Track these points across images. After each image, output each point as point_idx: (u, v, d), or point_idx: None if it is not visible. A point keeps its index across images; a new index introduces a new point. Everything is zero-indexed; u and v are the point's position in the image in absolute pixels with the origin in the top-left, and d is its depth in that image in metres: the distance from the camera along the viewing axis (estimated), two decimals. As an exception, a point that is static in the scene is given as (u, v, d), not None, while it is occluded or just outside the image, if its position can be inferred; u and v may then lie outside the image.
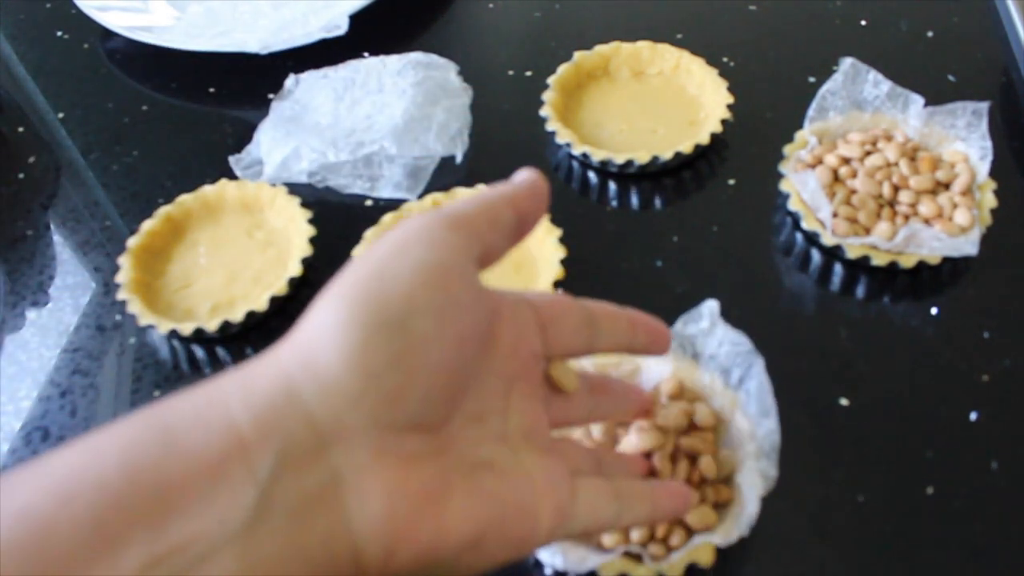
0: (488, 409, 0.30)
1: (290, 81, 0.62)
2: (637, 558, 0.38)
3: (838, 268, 0.50)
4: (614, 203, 0.55)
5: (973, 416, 0.44)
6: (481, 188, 0.53)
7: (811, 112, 0.55)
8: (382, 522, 0.25)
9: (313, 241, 0.51)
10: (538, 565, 0.40)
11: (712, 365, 0.43)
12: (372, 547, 0.25)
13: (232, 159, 0.57)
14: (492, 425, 0.30)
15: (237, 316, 0.48)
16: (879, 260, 0.49)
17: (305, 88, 0.61)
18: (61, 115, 0.64)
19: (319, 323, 0.26)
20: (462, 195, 0.53)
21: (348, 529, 0.25)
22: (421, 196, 0.55)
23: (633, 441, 0.40)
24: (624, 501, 0.33)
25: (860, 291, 0.50)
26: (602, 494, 0.32)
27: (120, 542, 0.22)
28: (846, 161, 0.52)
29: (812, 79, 0.60)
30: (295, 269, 0.50)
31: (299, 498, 0.24)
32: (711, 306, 0.44)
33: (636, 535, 0.38)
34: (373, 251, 0.28)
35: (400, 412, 0.26)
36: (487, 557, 0.27)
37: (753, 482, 0.39)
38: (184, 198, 0.54)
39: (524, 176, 0.34)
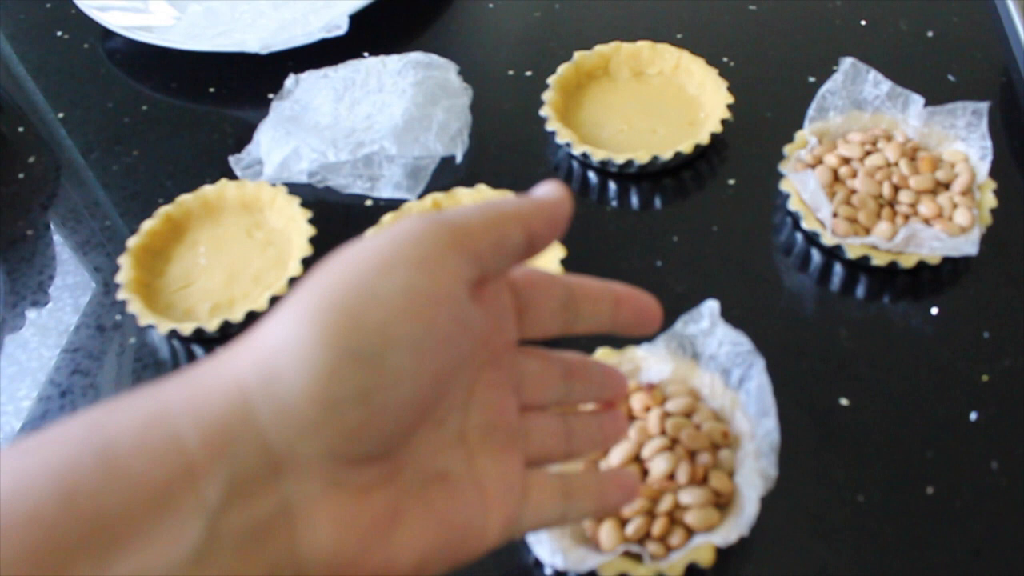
0: (450, 407, 0.28)
1: (290, 81, 0.62)
2: (637, 558, 0.38)
3: (838, 268, 0.50)
4: (614, 203, 0.55)
5: (973, 416, 0.44)
6: (496, 196, 0.53)
7: (811, 112, 0.55)
8: (330, 555, 0.24)
9: (313, 241, 0.51)
10: (538, 565, 0.40)
11: (712, 365, 0.43)
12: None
13: (232, 159, 0.57)
14: (451, 425, 0.28)
15: (237, 316, 0.48)
16: (879, 260, 0.49)
17: (305, 88, 0.61)
18: (61, 115, 0.64)
19: (284, 337, 0.23)
20: (472, 198, 0.53)
21: (295, 561, 0.23)
22: (421, 196, 0.55)
23: (660, 466, 0.40)
24: (572, 499, 0.31)
25: (860, 291, 0.50)
26: (551, 494, 0.31)
27: None
28: (846, 161, 0.52)
29: (812, 79, 0.60)
30: (295, 269, 0.50)
31: (248, 528, 0.22)
32: (711, 306, 0.44)
33: (631, 529, 0.38)
34: (357, 256, 0.25)
35: (359, 447, 0.24)
36: (432, 573, 0.27)
37: (753, 482, 0.39)
38: (184, 198, 0.54)
39: (546, 192, 0.29)
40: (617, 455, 0.41)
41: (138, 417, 0.22)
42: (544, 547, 0.38)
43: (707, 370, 0.43)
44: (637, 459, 0.41)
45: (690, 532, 0.39)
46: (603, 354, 0.44)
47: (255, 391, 0.23)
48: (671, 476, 0.40)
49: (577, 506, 0.32)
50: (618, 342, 0.45)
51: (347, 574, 0.24)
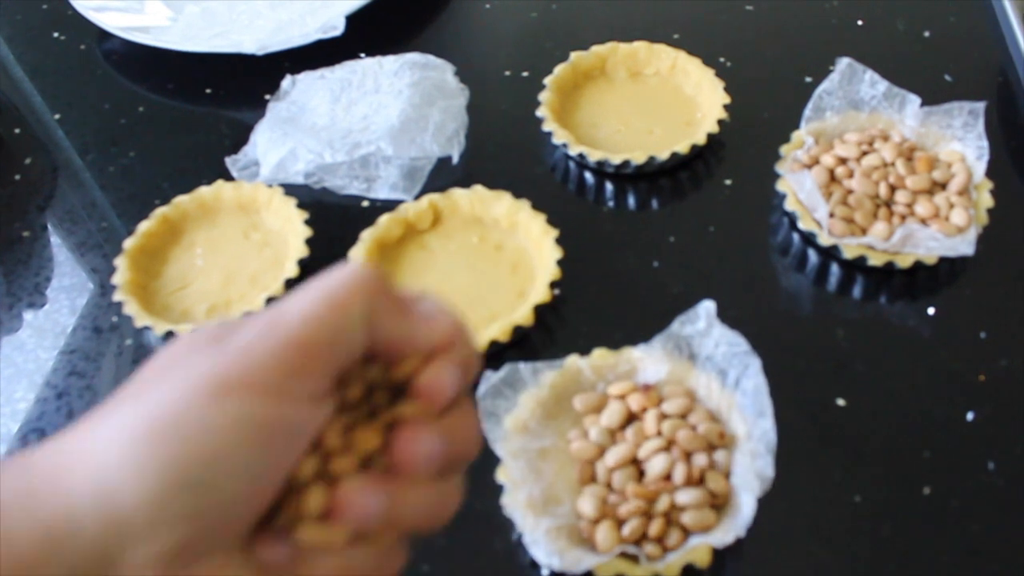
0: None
1: (287, 82, 0.62)
2: (633, 559, 0.38)
3: (835, 268, 0.50)
4: (611, 204, 0.55)
5: (970, 416, 0.44)
6: (492, 196, 0.52)
7: (808, 112, 0.55)
8: None
9: (309, 242, 0.51)
10: (535, 566, 0.40)
11: (709, 366, 0.43)
12: None
13: (228, 160, 0.57)
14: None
15: (234, 317, 0.48)
16: (876, 260, 0.49)
17: (302, 89, 0.61)
18: (58, 116, 0.64)
19: (119, 462, 0.23)
20: (468, 198, 0.52)
21: None
22: (418, 197, 0.55)
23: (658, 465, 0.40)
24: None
25: (857, 291, 0.50)
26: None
27: None
28: (843, 161, 0.52)
29: (809, 79, 0.60)
30: (291, 270, 0.50)
31: None
32: (707, 307, 0.44)
33: (627, 530, 0.38)
34: (192, 372, 0.24)
35: (192, 553, 0.24)
36: None
37: (749, 483, 0.39)
38: (181, 199, 0.54)
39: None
40: (612, 456, 0.41)
41: None
42: (541, 549, 0.38)
43: (704, 371, 0.43)
44: (634, 460, 0.41)
45: (687, 533, 0.39)
46: (599, 355, 0.44)
47: (86, 501, 0.23)
48: (668, 477, 0.40)
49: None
50: (614, 342, 0.45)
51: None
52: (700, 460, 0.40)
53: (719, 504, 0.40)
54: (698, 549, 0.38)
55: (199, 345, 0.25)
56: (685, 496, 0.39)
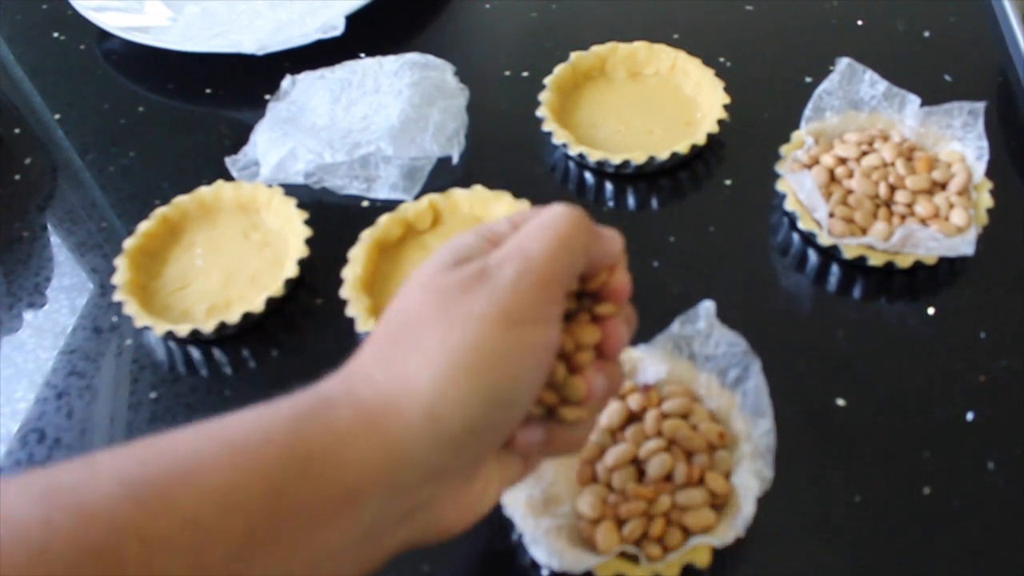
0: None
1: (286, 82, 0.62)
2: (633, 559, 0.38)
3: (835, 268, 0.50)
4: (611, 204, 0.55)
5: (970, 416, 0.44)
6: (491, 196, 0.53)
7: (807, 112, 0.55)
8: (448, 523, 0.33)
9: (309, 242, 0.51)
10: (535, 566, 0.40)
11: (709, 366, 0.43)
12: (421, 542, 0.33)
13: (228, 160, 0.57)
14: None
15: (233, 317, 0.48)
16: (875, 260, 0.49)
17: (302, 89, 0.61)
18: (58, 116, 0.64)
19: (444, 390, 0.30)
20: (469, 199, 0.53)
21: (425, 530, 0.32)
22: (417, 197, 0.55)
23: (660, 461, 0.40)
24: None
25: (857, 291, 0.50)
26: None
27: (263, 552, 0.27)
28: (842, 161, 0.52)
29: (809, 79, 0.60)
30: (291, 270, 0.50)
31: (400, 515, 0.31)
32: (707, 307, 0.44)
33: (628, 530, 0.38)
34: (486, 312, 0.30)
35: (485, 455, 0.33)
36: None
37: (749, 483, 0.39)
38: (180, 199, 0.54)
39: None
40: (612, 456, 0.41)
41: (332, 438, 0.29)
42: (541, 549, 0.38)
43: (704, 371, 0.43)
44: (634, 460, 0.41)
45: (687, 533, 0.39)
46: None
47: (421, 430, 0.30)
48: (668, 477, 0.40)
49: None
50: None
51: (455, 528, 0.34)
52: (700, 460, 0.40)
53: (719, 504, 0.40)
54: (698, 549, 0.38)
55: (467, 281, 0.31)
56: (685, 496, 0.39)
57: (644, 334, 0.45)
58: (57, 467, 0.27)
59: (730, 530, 0.38)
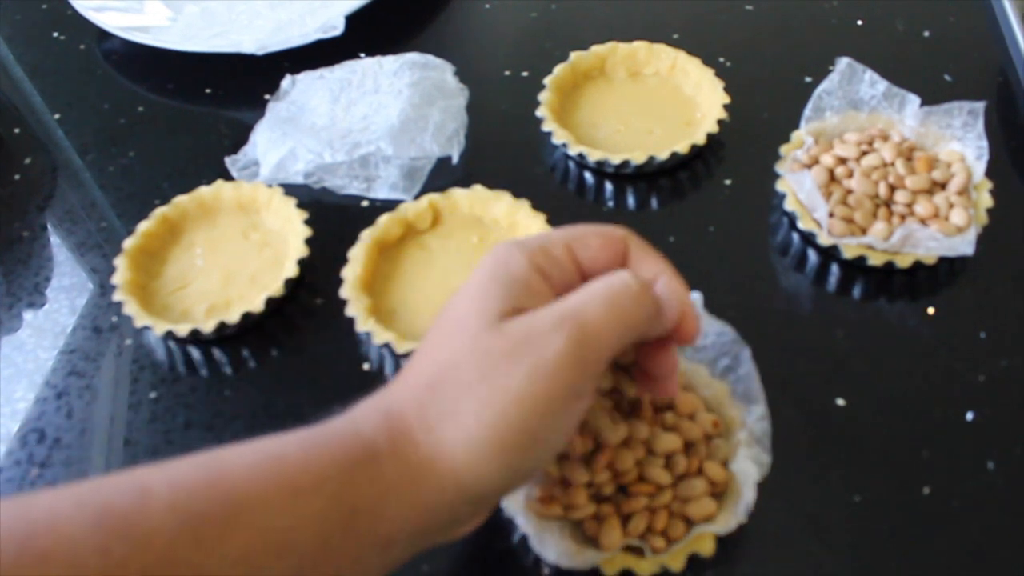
0: None
1: (286, 82, 0.62)
2: (639, 552, 0.38)
3: (834, 268, 0.50)
4: (610, 204, 0.55)
5: (969, 416, 0.44)
6: (491, 196, 0.53)
7: (807, 112, 0.55)
8: (458, 536, 0.37)
9: (309, 242, 0.51)
10: (536, 566, 0.40)
11: (699, 356, 0.43)
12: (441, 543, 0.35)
13: (228, 160, 0.57)
14: None
15: (233, 317, 0.48)
16: (875, 260, 0.49)
17: (301, 89, 0.61)
18: (57, 116, 0.64)
19: (478, 465, 0.31)
20: (468, 199, 0.53)
21: (436, 543, 0.34)
22: (417, 197, 0.55)
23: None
24: None
25: (856, 291, 0.50)
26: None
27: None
28: (842, 161, 0.52)
29: (808, 79, 0.60)
30: (291, 270, 0.50)
31: (419, 549, 0.33)
32: (695, 298, 0.44)
33: (631, 526, 0.38)
34: (523, 393, 0.30)
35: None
36: None
37: (748, 469, 0.39)
38: (180, 199, 0.54)
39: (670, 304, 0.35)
40: (613, 452, 0.40)
41: (376, 493, 0.30)
42: (548, 548, 0.37)
43: (693, 361, 0.43)
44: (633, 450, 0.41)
45: (689, 523, 0.39)
46: None
47: (452, 491, 0.31)
48: (667, 468, 0.40)
49: None
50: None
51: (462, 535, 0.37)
52: (698, 450, 0.40)
53: (718, 492, 0.40)
54: (702, 538, 0.38)
55: (514, 348, 0.31)
56: (686, 487, 0.39)
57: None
58: (105, 483, 0.28)
59: (732, 517, 0.38)
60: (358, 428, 0.32)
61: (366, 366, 0.48)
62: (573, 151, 0.55)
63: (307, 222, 0.52)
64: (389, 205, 0.54)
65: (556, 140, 0.55)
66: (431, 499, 0.31)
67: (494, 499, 0.34)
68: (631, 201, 0.55)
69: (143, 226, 0.53)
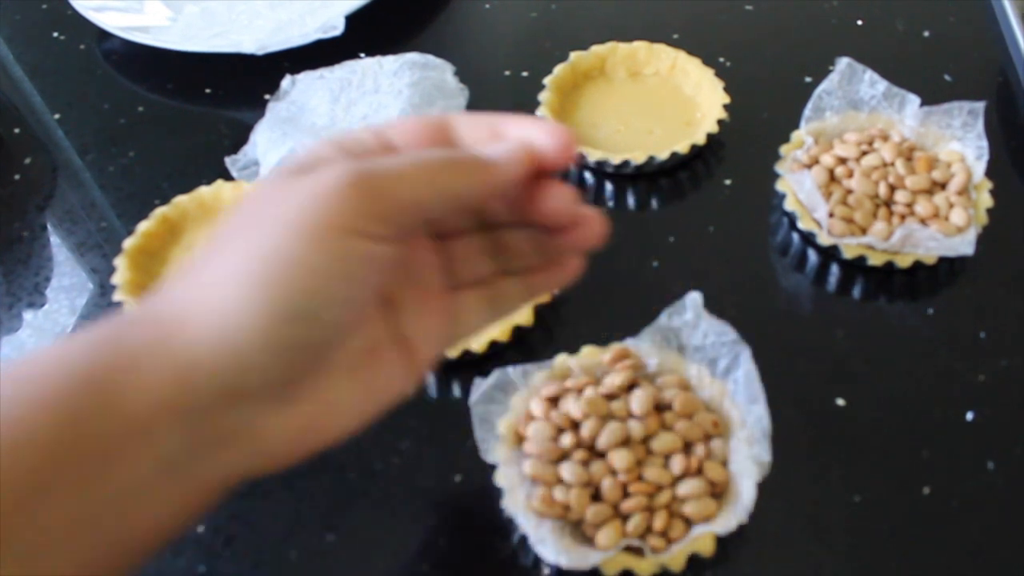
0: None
1: (286, 82, 0.62)
2: (639, 552, 0.38)
3: (834, 268, 0.50)
4: (610, 204, 0.55)
5: (969, 416, 0.44)
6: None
7: (807, 112, 0.55)
8: (279, 445, 0.29)
9: (309, 242, 0.51)
10: (536, 566, 0.40)
11: (698, 357, 0.43)
12: (260, 469, 0.29)
13: (228, 160, 0.57)
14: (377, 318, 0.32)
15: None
16: (875, 260, 0.49)
17: (301, 89, 0.61)
18: (57, 116, 0.64)
19: (235, 309, 0.27)
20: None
21: (254, 453, 0.29)
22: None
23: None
24: (499, 295, 0.35)
25: (856, 291, 0.50)
26: (477, 305, 0.35)
27: (56, 490, 0.25)
28: (842, 161, 0.52)
29: (808, 79, 0.60)
30: (291, 270, 0.50)
31: (214, 439, 0.27)
32: (694, 298, 0.44)
33: (631, 526, 0.38)
34: (282, 219, 0.27)
35: (299, 374, 0.28)
36: (361, 426, 0.32)
37: (747, 469, 0.39)
38: (180, 199, 0.54)
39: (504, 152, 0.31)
40: (611, 450, 0.40)
41: (125, 361, 0.26)
42: (548, 548, 0.37)
43: (693, 361, 0.43)
44: (630, 447, 0.41)
45: (689, 523, 0.39)
46: (588, 352, 0.44)
47: (208, 347, 0.27)
48: (666, 468, 0.40)
49: (508, 294, 0.35)
50: (603, 338, 0.45)
51: (295, 453, 0.30)
52: (697, 450, 0.40)
53: (718, 492, 0.40)
54: (702, 538, 0.38)
55: (289, 179, 0.28)
56: (685, 487, 0.39)
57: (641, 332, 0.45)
58: None
59: (732, 517, 0.38)
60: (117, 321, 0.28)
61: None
62: (573, 151, 0.55)
63: (307, 222, 0.52)
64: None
65: (556, 140, 0.55)
66: (181, 358, 0.26)
67: (273, 360, 0.27)
68: (631, 201, 0.55)
69: (143, 226, 0.53)
